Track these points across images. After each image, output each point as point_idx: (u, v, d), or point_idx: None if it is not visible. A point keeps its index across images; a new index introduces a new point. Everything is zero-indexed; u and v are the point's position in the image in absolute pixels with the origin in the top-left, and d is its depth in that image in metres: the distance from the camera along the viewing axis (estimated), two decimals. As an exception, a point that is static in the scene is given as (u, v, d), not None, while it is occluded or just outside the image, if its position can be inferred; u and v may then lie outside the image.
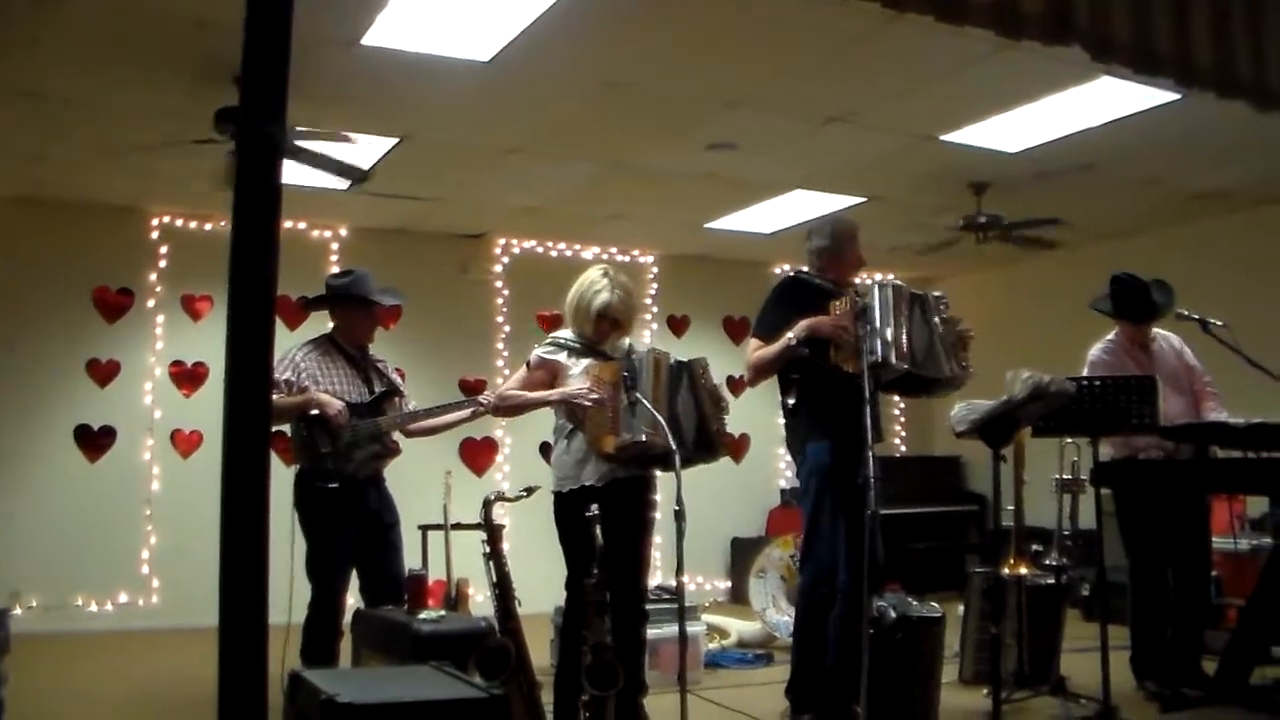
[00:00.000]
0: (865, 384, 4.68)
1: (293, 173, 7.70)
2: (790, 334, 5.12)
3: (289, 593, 5.28)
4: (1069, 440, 6.58)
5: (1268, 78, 4.82)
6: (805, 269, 5.65)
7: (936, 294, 5.37)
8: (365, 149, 7.52)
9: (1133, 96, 6.70)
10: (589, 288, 5.37)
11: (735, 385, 10.44)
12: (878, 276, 12.10)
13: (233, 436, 2.58)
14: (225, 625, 2.51)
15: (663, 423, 4.77)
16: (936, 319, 5.24)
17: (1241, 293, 8.54)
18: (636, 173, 8.46)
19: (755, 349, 5.35)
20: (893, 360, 4.89)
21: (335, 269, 9.06)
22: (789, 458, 5.84)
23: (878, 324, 4.92)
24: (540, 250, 10.82)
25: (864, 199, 9.15)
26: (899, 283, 5.16)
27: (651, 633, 5.59)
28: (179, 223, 9.41)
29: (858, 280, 5.52)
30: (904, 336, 4.95)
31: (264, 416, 2.66)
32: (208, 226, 9.28)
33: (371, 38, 5.84)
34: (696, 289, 11.48)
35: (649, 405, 4.85)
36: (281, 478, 5.49)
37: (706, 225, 10.18)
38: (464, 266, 10.50)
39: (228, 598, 2.50)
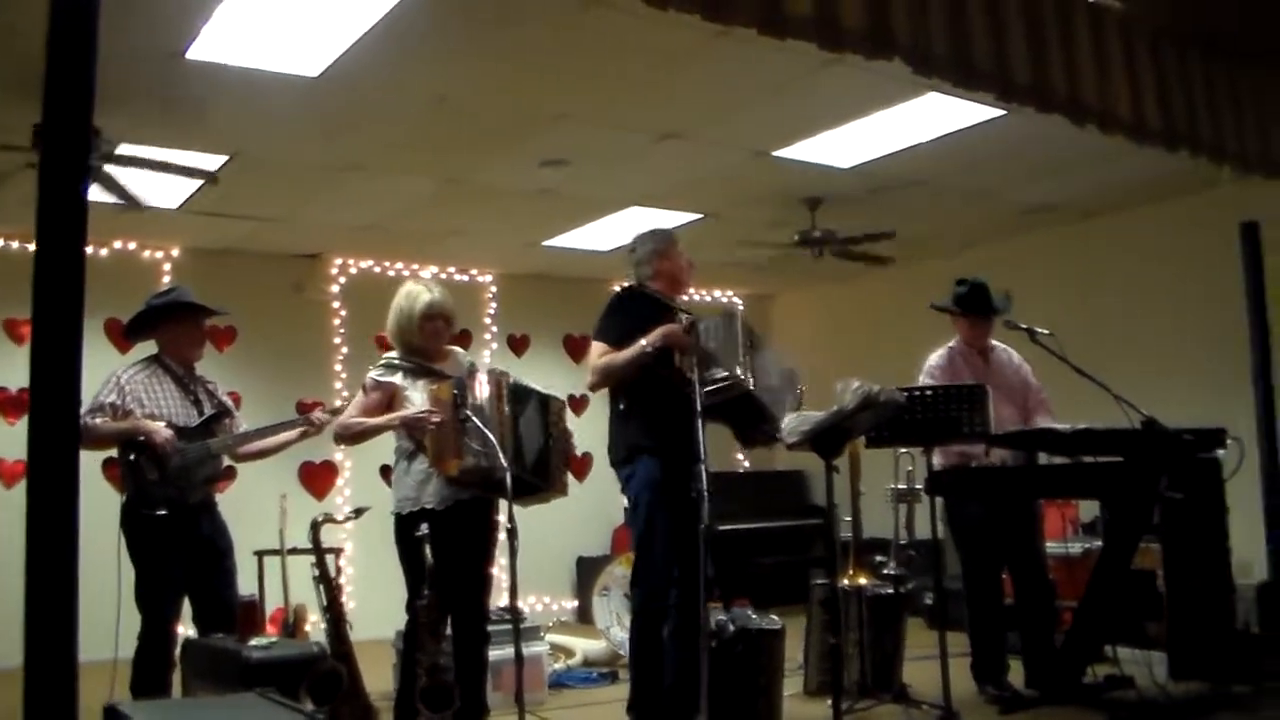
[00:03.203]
0: (697, 397, 4.69)
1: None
2: (645, 341, 5.09)
3: (116, 625, 5.15)
4: (903, 450, 6.69)
5: (1082, 93, 4.98)
6: (641, 282, 5.63)
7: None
8: (191, 164, 7.35)
9: (959, 112, 6.86)
10: (407, 298, 5.39)
11: (577, 404, 10.44)
12: (718, 294, 12.29)
13: (37, 463, 2.49)
14: (31, 663, 2.42)
15: (493, 440, 4.71)
16: (775, 355, 5.37)
17: (1070, 303, 8.82)
18: (472, 190, 8.40)
19: (602, 353, 5.28)
20: (739, 375, 4.93)
21: (167, 289, 8.82)
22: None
23: (722, 348, 4.97)
24: (378, 270, 10.68)
25: (700, 215, 9.21)
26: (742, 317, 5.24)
27: (494, 654, 5.53)
28: (0, 243, 9.07)
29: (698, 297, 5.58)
30: (749, 364, 5.02)
31: (72, 440, 2.57)
32: (31, 247, 8.91)
33: (195, 51, 5.69)
34: (536, 308, 11.44)
35: (480, 425, 4.80)
36: (116, 506, 5.38)
37: (544, 243, 10.16)
38: (299, 286, 10.30)
39: (33, 634, 2.41)
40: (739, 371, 4.92)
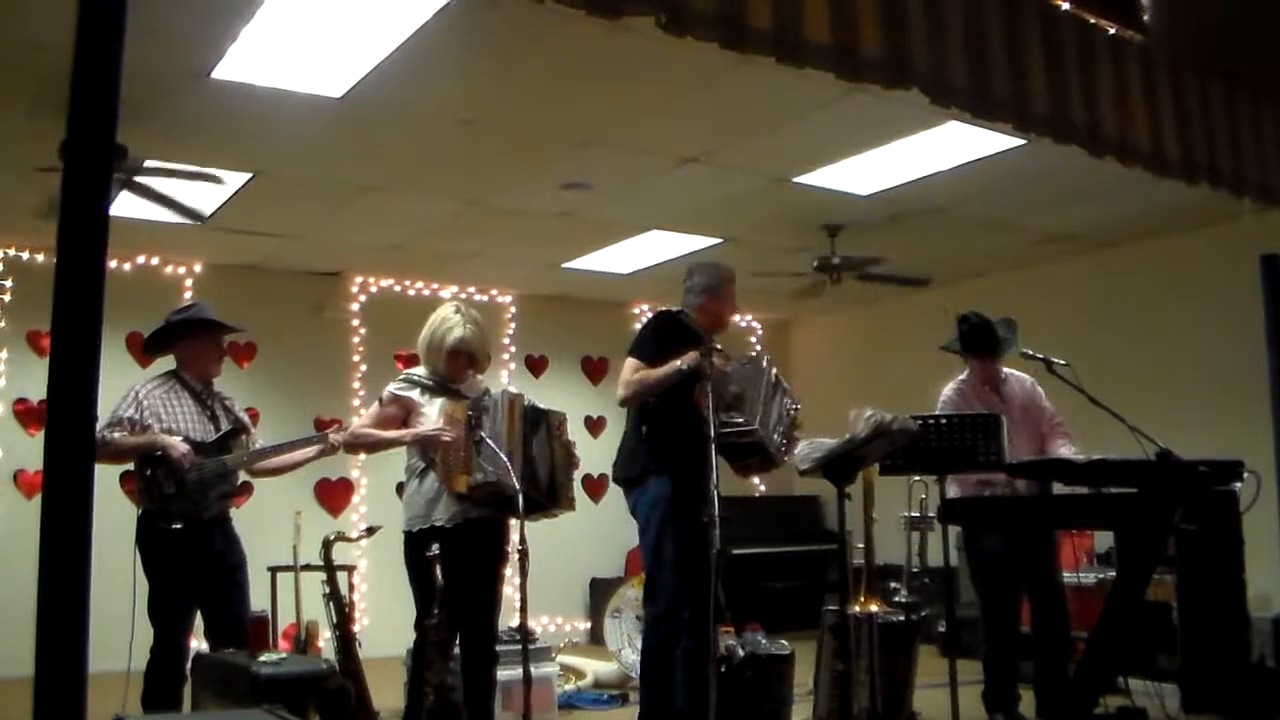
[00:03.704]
0: (712, 422, 4.71)
1: (147, 205, 7.59)
2: (681, 362, 5.13)
3: (130, 637, 5.18)
4: (917, 478, 6.68)
5: (1101, 124, 4.98)
6: (685, 309, 5.66)
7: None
8: (217, 186, 7.41)
9: (979, 141, 6.88)
10: (441, 325, 5.38)
11: (595, 425, 10.45)
12: (738, 319, 12.32)
13: (53, 476, 2.51)
14: (41, 673, 2.43)
15: (507, 464, 4.76)
16: (788, 401, 5.42)
17: (1087, 333, 8.80)
18: (493, 211, 8.44)
19: (636, 369, 5.33)
20: (757, 428, 5.00)
21: (189, 305, 8.89)
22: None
23: (752, 394, 5.05)
24: (398, 289, 10.73)
25: (720, 240, 9.25)
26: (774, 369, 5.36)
27: (503, 674, 5.55)
28: (24, 255, 9.13)
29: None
30: (766, 413, 5.07)
31: (88, 454, 2.59)
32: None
33: (222, 71, 5.76)
34: (555, 329, 11.48)
35: (494, 446, 4.84)
36: (133, 519, 5.41)
37: (564, 265, 10.19)
38: (320, 305, 10.35)
39: (44, 644, 2.42)
40: (757, 423, 4.99)
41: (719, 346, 5.20)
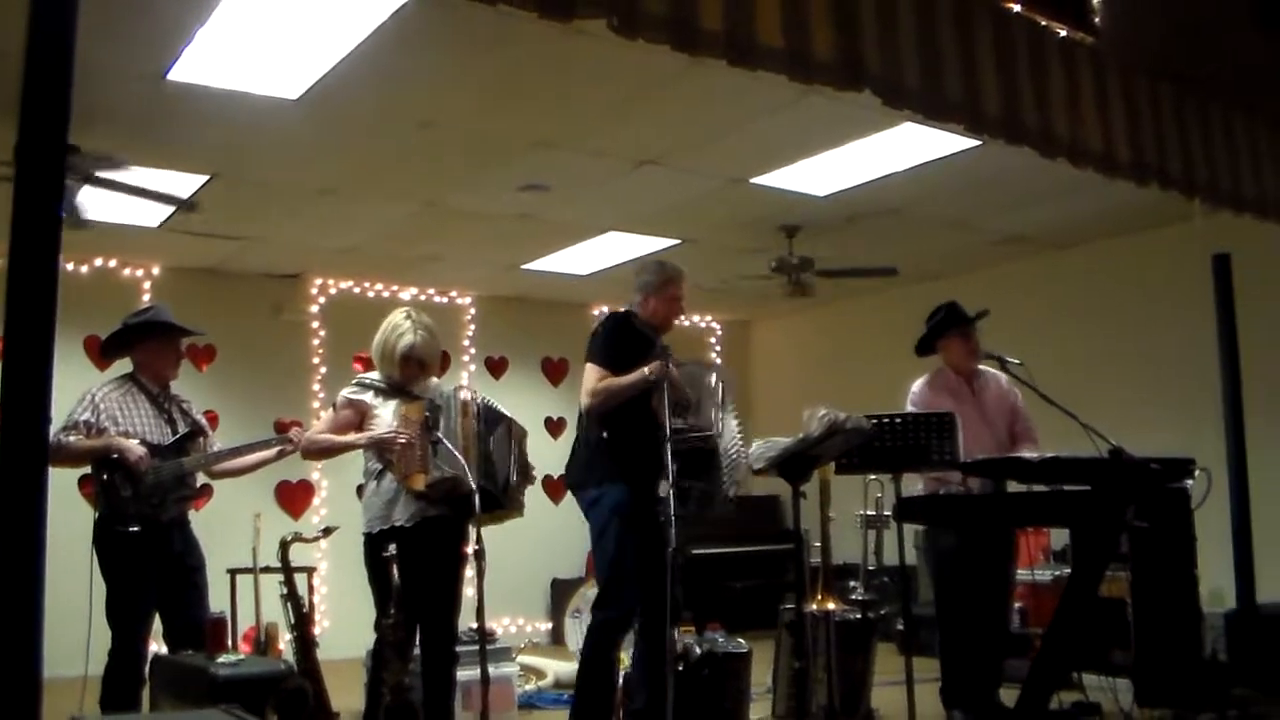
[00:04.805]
0: (667, 424, 4.74)
1: (104, 207, 7.54)
2: (649, 371, 5.16)
3: (87, 641, 5.16)
4: (872, 477, 6.72)
5: (1053, 126, 5.04)
6: (632, 309, 5.68)
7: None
8: (175, 185, 7.38)
9: (934, 142, 6.93)
10: (392, 332, 5.39)
11: (555, 427, 10.47)
12: (696, 319, 12.32)
13: (6, 481, 2.51)
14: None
15: (463, 462, 4.79)
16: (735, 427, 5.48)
17: (1043, 333, 8.87)
18: (452, 213, 8.45)
19: (601, 377, 5.33)
20: (717, 432, 5.03)
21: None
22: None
23: (708, 402, 5.03)
24: (357, 291, 10.72)
25: (678, 241, 9.27)
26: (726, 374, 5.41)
27: (463, 674, 5.56)
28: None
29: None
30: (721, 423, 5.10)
31: (40, 459, 2.60)
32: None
33: (177, 73, 5.74)
34: (514, 330, 11.48)
35: (449, 446, 4.87)
36: (90, 522, 5.40)
37: (523, 266, 10.20)
38: (278, 307, 10.33)
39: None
40: (716, 428, 5.02)
41: (668, 351, 5.24)
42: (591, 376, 5.37)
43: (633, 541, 5.17)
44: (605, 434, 5.37)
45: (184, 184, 7.46)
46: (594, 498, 5.36)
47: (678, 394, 5.03)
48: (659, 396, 5.02)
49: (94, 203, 6.70)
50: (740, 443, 5.46)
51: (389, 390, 5.39)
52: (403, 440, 5.13)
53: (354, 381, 5.53)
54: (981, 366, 6.51)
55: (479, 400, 5.35)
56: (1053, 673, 6.00)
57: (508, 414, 5.49)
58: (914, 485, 6.19)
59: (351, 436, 5.34)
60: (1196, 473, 5.79)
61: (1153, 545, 5.75)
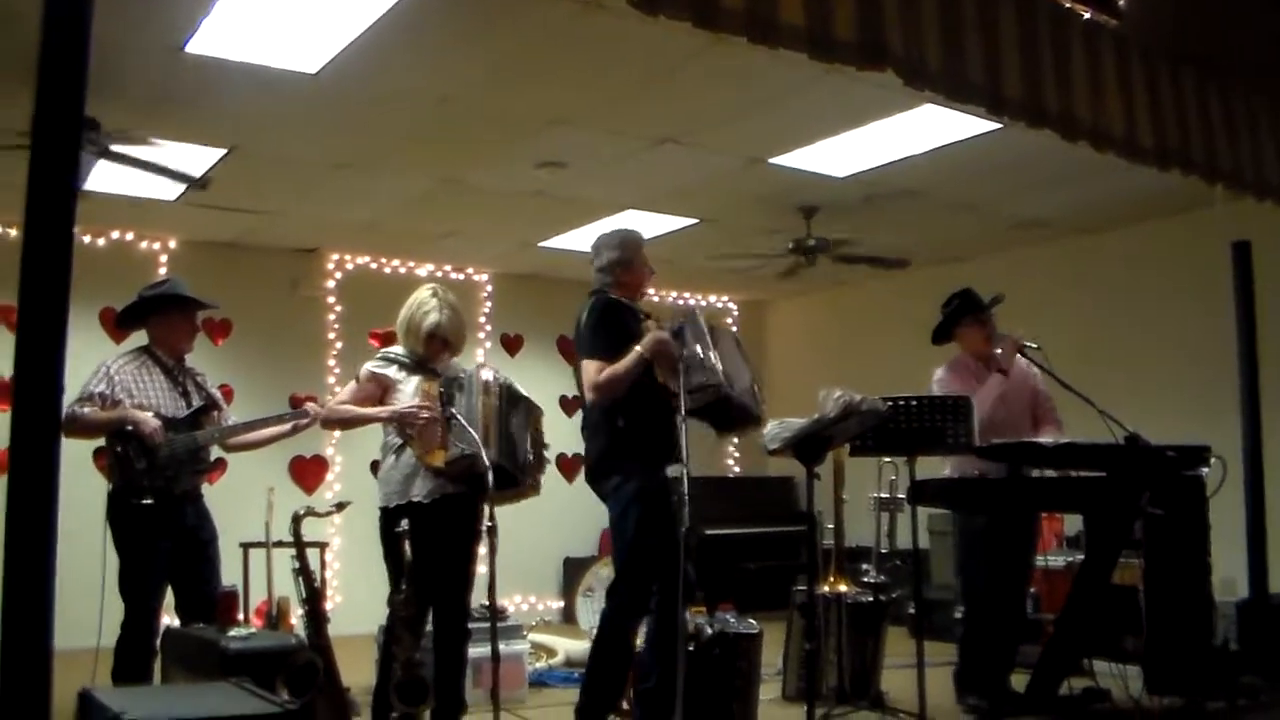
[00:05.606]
0: (683, 401, 4.70)
1: (122, 180, 7.54)
2: (640, 348, 5.03)
3: (100, 613, 5.18)
4: (886, 459, 6.70)
5: (1074, 109, 5.00)
6: (605, 289, 5.54)
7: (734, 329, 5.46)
8: (193, 158, 7.38)
9: (955, 125, 6.89)
10: (419, 308, 5.40)
11: (569, 405, 10.45)
12: (713, 299, 12.31)
13: (19, 453, 2.52)
14: (7, 648, 2.44)
15: (478, 441, 4.79)
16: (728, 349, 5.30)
17: (1061, 318, 8.84)
18: (469, 189, 8.44)
19: (600, 369, 5.15)
20: (721, 382, 4.91)
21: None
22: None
23: (700, 350, 4.94)
24: (374, 266, 10.72)
25: (696, 220, 9.25)
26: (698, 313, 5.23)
27: (474, 651, 5.56)
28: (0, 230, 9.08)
29: (670, 302, 5.58)
30: (718, 364, 4.96)
31: (53, 427, 2.60)
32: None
33: (195, 45, 5.73)
34: (530, 308, 11.46)
35: (465, 423, 4.87)
36: (104, 495, 5.41)
37: (540, 244, 10.19)
38: (295, 282, 10.34)
39: (10, 620, 2.44)
40: (716, 376, 4.91)
41: (655, 320, 5.20)
42: (591, 370, 5.21)
43: (653, 526, 5.08)
44: (622, 423, 5.26)
45: (201, 157, 7.46)
46: (616, 484, 5.20)
47: (672, 361, 4.92)
48: (662, 370, 4.97)
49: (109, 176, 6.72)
50: (738, 361, 5.32)
51: (412, 365, 5.41)
52: (425, 416, 5.15)
53: (378, 355, 5.55)
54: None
55: (500, 379, 5.36)
56: (1064, 659, 6.01)
57: (527, 396, 5.51)
58: (942, 468, 6.19)
59: (374, 410, 5.35)
60: (1212, 461, 5.78)
61: (1166, 532, 5.72)
